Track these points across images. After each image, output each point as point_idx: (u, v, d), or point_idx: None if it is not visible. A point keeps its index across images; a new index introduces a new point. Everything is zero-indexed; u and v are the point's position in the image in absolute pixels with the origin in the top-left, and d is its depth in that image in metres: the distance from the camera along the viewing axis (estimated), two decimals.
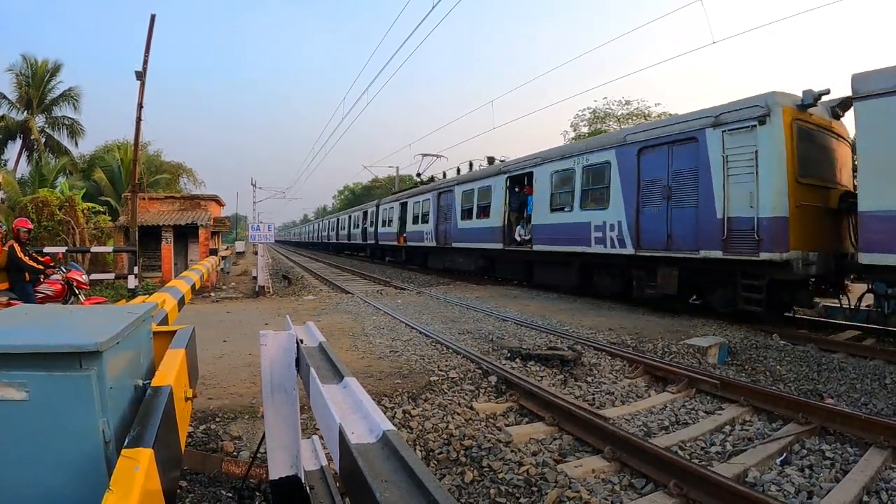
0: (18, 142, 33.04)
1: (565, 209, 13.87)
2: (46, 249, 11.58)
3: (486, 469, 4.16)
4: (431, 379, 6.16)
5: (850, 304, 9.87)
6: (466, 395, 5.86)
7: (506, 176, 16.91)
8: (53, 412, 1.76)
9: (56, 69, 33.43)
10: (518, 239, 16.39)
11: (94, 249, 17.19)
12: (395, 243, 28.43)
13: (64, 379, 1.76)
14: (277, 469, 2.72)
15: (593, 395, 6.11)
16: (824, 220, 9.33)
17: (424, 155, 30.40)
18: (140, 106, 14.37)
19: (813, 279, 9.57)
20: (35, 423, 1.76)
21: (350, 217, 41.89)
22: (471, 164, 22.65)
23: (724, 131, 9.46)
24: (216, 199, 23.44)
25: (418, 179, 30.43)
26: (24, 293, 7.90)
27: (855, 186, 8.72)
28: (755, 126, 8.97)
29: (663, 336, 8.60)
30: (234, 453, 4.27)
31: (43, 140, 33.26)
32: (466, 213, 19.61)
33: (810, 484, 3.98)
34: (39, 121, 33.63)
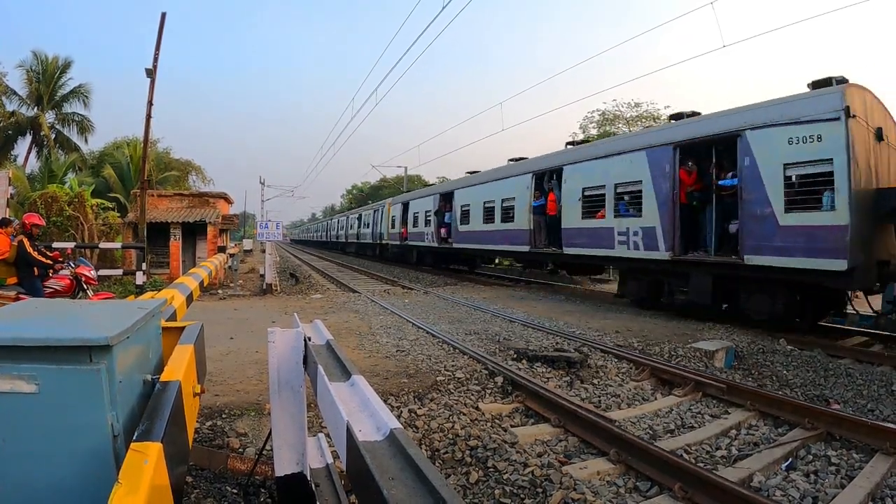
0: (28, 138, 33.23)
1: None
2: (55, 245, 11.65)
3: (492, 469, 4.16)
4: (438, 379, 6.17)
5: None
6: (472, 395, 5.86)
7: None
8: (63, 405, 1.77)
9: (66, 66, 33.60)
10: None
11: (103, 245, 17.27)
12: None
13: (74, 372, 1.77)
14: (283, 466, 2.73)
15: (599, 397, 6.10)
16: None
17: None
18: (150, 103, 14.41)
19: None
20: (44, 416, 1.77)
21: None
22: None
23: None
24: (225, 197, 23.49)
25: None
26: (32, 288, 7.94)
27: None
28: None
29: (670, 339, 8.58)
30: (240, 450, 4.29)
31: (53, 136, 33.40)
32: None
33: (815, 490, 3.96)
34: (49, 117, 33.80)
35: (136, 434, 1.67)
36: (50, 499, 1.79)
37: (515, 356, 7.26)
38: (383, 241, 32.24)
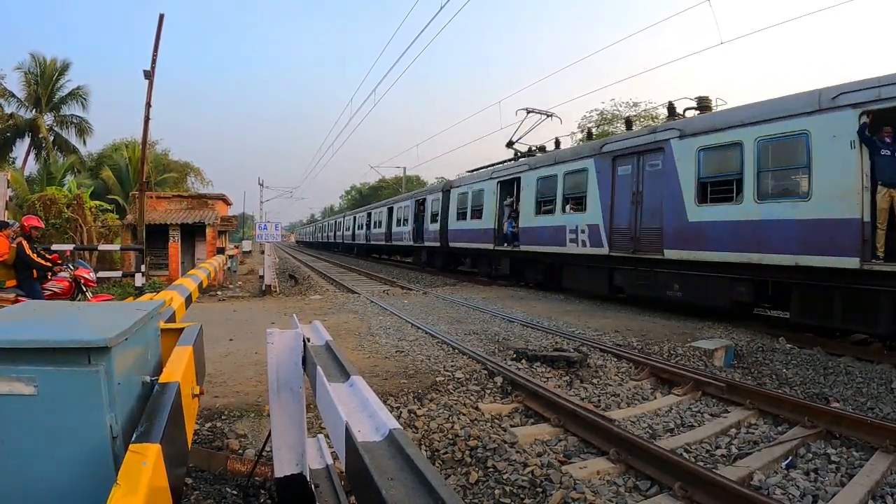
0: (27, 140, 33.22)
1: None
2: (54, 247, 11.64)
3: (491, 469, 4.15)
4: (437, 379, 6.16)
5: None
6: (472, 395, 5.85)
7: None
8: (61, 407, 1.77)
9: (64, 68, 33.60)
10: None
11: (102, 247, 17.25)
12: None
13: (72, 374, 1.77)
14: (283, 467, 2.72)
15: (599, 396, 6.09)
16: None
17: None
18: (148, 105, 14.42)
19: None
20: (43, 418, 1.77)
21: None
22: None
23: None
24: (223, 199, 23.49)
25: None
26: (31, 290, 7.94)
27: None
28: None
29: (669, 338, 8.58)
30: (240, 451, 4.28)
31: (51, 138, 33.42)
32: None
33: (815, 488, 3.96)
34: (48, 119, 33.80)
35: (134, 435, 1.66)
36: (49, 500, 1.79)
37: (515, 356, 7.26)
38: None
